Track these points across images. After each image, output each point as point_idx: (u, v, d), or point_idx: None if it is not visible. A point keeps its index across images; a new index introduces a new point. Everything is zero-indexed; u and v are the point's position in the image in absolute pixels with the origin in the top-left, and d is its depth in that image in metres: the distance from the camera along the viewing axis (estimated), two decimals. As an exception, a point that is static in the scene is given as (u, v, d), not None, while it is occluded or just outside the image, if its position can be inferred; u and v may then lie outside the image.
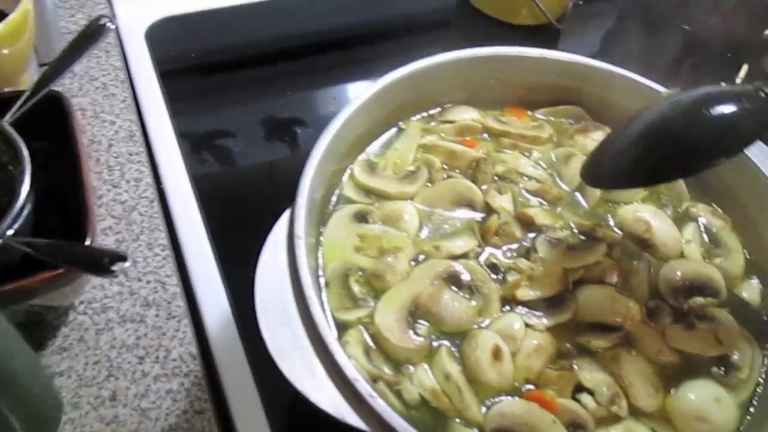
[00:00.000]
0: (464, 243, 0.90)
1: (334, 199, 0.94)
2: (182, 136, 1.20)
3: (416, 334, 0.81)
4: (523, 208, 0.94)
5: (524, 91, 1.07)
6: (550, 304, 0.86)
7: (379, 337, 0.80)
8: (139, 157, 1.14)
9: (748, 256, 0.95)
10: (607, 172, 0.84)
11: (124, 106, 1.22)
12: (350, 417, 0.66)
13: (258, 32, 1.50)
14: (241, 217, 1.13)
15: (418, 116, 1.06)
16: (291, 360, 0.69)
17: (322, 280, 0.85)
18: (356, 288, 0.84)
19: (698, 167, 0.80)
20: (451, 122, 1.04)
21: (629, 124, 0.82)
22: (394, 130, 1.03)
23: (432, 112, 1.07)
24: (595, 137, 1.03)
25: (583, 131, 1.04)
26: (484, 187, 0.96)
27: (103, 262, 0.80)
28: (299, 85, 1.44)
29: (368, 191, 0.95)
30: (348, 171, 0.97)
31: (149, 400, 0.89)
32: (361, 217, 0.91)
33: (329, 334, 0.69)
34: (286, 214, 0.79)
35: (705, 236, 0.96)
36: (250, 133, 1.33)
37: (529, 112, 1.08)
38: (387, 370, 0.78)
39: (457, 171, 0.99)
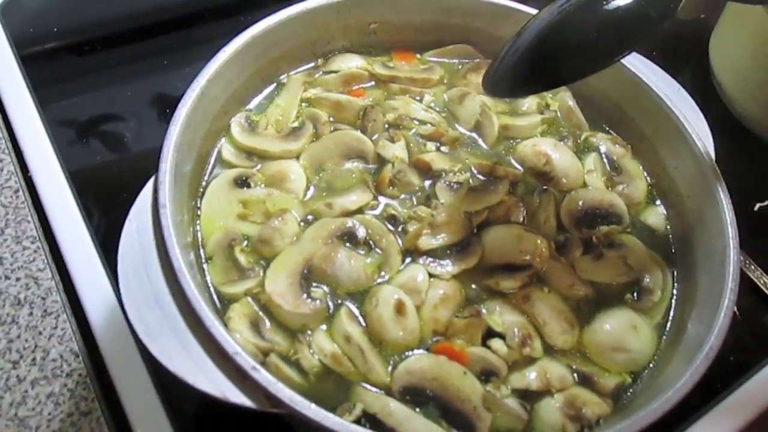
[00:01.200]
0: (357, 197, 0.84)
1: (209, 168, 0.86)
2: (57, 123, 1.09)
3: (311, 298, 0.75)
4: (419, 155, 0.89)
5: (411, 34, 1.01)
6: (455, 250, 0.82)
7: (271, 305, 0.74)
8: (-1, 144, 1.03)
9: (649, 181, 0.93)
10: (508, 80, 0.78)
11: (-22, 92, 1.09)
12: (233, 395, 0.60)
13: (129, 2, 1.37)
14: (120, 200, 1.03)
15: (301, 69, 0.98)
16: (162, 340, 0.62)
17: (202, 255, 0.77)
18: (242, 258, 0.77)
19: (600, 62, 0.75)
20: (335, 72, 0.97)
21: (526, 28, 0.77)
22: (273, 85, 0.96)
23: (314, 63, 0.99)
24: None
25: (476, 69, 0.99)
26: (375, 137, 0.90)
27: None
28: (187, 58, 1.33)
29: (249, 152, 0.87)
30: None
31: (27, 407, 0.80)
32: (242, 182, 0.83)
33: (203, 307, 0.62)
34: (150, 183, 0.71)
35: (606, 165, 0.93)
36: (138, 114, 1.22)
37: (418, 55, 1.02)
38: (281, 341, 0.72)
39: (346, 124, 0.92)
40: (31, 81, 1.14)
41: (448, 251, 0.81)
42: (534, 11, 0.96)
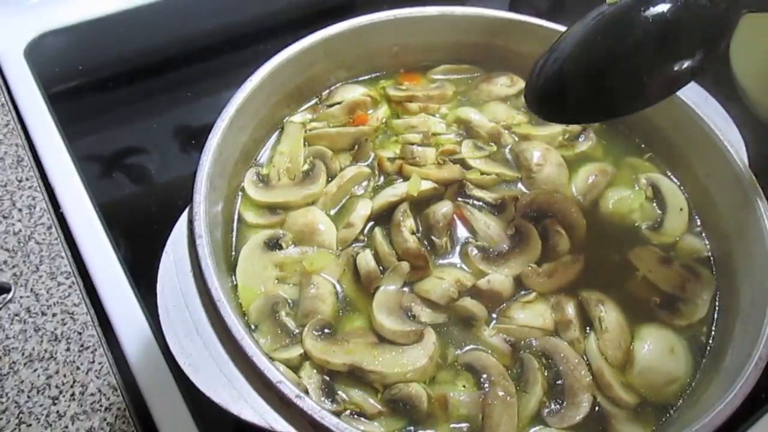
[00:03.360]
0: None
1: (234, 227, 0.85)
2: (85, 159, 1.10)
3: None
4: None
5: (417, 55, 1.02)
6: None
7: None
8: (30, 182, 1.04)
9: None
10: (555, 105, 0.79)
11: (8, 131, 1.11)
12: (278, 424, 0.59)
13: (150, 38, 1.39)
14: (151, 230, 1.04)
15: (303, 108, 0.99)
16: (205, 372, 0.61)
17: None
18: (289, 321, 0.75)
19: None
20: (338, 103, 0.97)
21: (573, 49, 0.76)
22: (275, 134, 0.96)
23: (317, 99, 1.00)
24: (502, 82, 1.01)
25: (487, 80, 1.02)
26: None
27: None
28: (206, 89, 1.34)
29: (271, 207, 0.86)
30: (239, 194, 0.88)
31: (68, 443, 0.80)
32: (273, 245, 0.81)
33: (243, 336, 0.62)
34: (184, 215, 0.72)
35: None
36: (163, 147, 1.23)
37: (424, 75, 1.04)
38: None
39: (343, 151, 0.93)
40: (58, 118, 1.16)
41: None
42: (553, 26, 0.96)
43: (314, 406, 0.59)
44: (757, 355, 0.66)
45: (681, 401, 0.74)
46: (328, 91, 0.99)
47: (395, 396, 0.69)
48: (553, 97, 0.78)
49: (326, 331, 0.73)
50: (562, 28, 0.96)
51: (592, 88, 0.75)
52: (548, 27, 0.96)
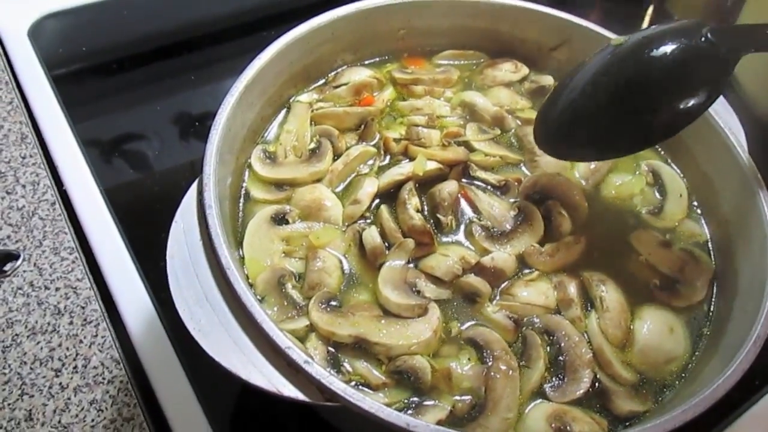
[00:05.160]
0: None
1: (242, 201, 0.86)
2: (88, 143, 1.10)
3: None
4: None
5: (422, 39, 1.03)
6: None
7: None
8: (34, 159, 1.05)
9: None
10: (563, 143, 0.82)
11: (12, 108, 1.11)
12: (287, 389, 0.60)
13: (154, 23, 1.39)
14: (153, 209, 1.04)
15: (310, 88, 0.99)
16: (214, 337, 0.62)
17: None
18: (296, 294, 0.76)
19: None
20: (345, 84, 0.97)
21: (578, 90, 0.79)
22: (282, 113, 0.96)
23: (324, 80, 1.00)
24: (506, 68, 1.02)
25: (492, 65, 1.03)
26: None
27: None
28: (208, 75, 1.34)
29: (278, 183, 0.86)
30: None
31: (71, 414, 0.80)
32: (280, 219, 0.82)
33: (253, 303, 0.63)
34: (194, 186, 0.72)
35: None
36: (163, 133, 1.23)
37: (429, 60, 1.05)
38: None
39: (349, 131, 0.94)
40: (63, 99, 1.16)
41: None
42: (559, 14, 0.97)
43: (322, 372, 0.59)
44: (756, 333, 0.67)
45: (680, 381, 0.75)
46: (334, 72, 1.00)
47: (399, 368, 0.70)
48: (562, 139, 0.82)
49: (332, 303, 0.74)
50: (568, 16, 0.97)
51: (600, 129, 0.78)
52: (554, 15, 0.97)
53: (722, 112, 0.88)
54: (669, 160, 0.95)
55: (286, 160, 0.88)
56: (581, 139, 0.80)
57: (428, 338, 0.71)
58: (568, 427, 0.69)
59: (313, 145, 0.90)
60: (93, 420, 0.80)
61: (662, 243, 0.85)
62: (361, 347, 0.71)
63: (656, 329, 0.78)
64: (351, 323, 0.71)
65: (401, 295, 0.74)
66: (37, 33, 1.27)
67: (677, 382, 0.75)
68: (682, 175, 0.94)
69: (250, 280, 0.75)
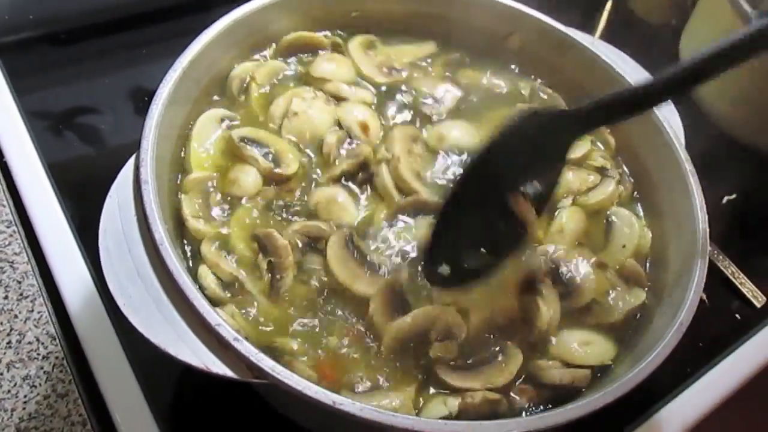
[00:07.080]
0: None
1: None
2: (32, 115, 1.08)
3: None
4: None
5: (378, 23, 1.01)
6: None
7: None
8: (-27, 129, 1.02)
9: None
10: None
11: (-49, 76, 1.08)
12: (215, 366, 0.60)
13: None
14: (99, 184, 1.02)
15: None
16: (144, 313, 0.62)
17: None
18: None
19: None
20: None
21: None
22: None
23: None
24: None
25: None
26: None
27: None
28: (164, 49, 1.31)
29: None
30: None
31: (2, 390, 0.79)
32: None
33: (185, 280, 0.62)
34: (131, 160, 0.71)
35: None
36: (116, 108, 1.20)
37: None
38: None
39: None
40: (6, 69, 1.13)
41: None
42: (509, 2, 0.98)
43: (251, 349, 0.59)
44: (678, 321, 0.70)
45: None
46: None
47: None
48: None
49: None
50: (519, 6, 0.98)
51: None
52: (503, 3, 0.97)
53: (665, 108, 0.90)
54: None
55: None
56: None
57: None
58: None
59: None
60: (26, 396, 0.79)
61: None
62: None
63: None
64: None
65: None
66: (-20, -3, 1.23)
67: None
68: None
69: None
